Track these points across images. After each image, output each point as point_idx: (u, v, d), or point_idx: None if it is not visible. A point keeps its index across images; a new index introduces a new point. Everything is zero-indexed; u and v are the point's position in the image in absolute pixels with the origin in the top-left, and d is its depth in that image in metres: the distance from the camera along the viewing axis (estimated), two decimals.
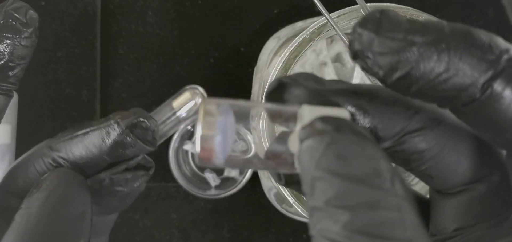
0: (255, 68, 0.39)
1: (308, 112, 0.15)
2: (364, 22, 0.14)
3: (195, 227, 0.43)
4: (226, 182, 0.42)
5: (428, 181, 0.17)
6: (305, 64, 0.35)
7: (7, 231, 0.18)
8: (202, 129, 0.15)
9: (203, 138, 0.15)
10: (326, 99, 0.16)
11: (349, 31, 0.32)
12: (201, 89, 0.41)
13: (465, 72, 0.14)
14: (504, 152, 0.16)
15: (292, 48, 0.27)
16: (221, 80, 0.42)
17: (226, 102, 0.15)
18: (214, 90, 0.41)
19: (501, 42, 0.14)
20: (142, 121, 0.22)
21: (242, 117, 0.16)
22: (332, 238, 0.12)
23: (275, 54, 0.34)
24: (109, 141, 0.21)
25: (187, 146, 0.41)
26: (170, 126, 0.40)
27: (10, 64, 0.23)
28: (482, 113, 0.15)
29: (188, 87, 0.41)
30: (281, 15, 0.41)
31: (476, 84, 0.14)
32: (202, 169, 0.42)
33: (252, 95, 0.38)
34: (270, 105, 0.16)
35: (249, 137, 0.15)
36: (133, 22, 0.41)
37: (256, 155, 0.16)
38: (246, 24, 0.41)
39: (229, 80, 0.42)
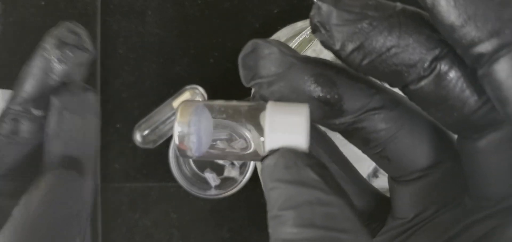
0: None
1: (273, 109, 0.16)
2: None
3: (195, 227, 0.43)
4: (226, 182, 0.42)
5: (386, 165, 0.18)
6: None
7: (4, 226, 0.18)
8: (177, 127, 0.16)
9: (180, 136, 0.17)
10: (297, 66, 0.16)
11: None
12: (201, 89, 0.41)
13: (414, 48, 0.15)
14: (455, 137, 0.17)
15: (292, 47, 0.27)
16: (221, 80, 0.42)
17: (200, 103, 0.17)
18: (214, 90, 0.41)
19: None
20: (70, 26, 0.21)
21: (218, 114, 0.17)
22: (285, 238, 0.14)
23: None
24: (49, 58, 0.21)
25: None
26: (170, 125, 0.40)
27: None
28: (430, 93, 0.15)
29: (188, 87, 0.41)
30: (281, 15, 0.41)
31: (424, 61, 0.15)
32: (202, 169, 0.42)
33: (252, 95, 0.38)
34: (238, 103, 0.17)
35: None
36: (133, 22, 0.41)
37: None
38: (246, 24, 0.41)
39: (229, 80, 0.42)
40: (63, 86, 0.22)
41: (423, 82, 0.15)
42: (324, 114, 0.17)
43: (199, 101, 0.17)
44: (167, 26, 0.41)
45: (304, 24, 0.36)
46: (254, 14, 0.41)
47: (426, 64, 0.15)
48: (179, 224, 0.43)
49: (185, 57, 0.42)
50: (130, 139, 0.39)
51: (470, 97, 0.15)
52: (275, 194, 0.15)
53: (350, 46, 0.15)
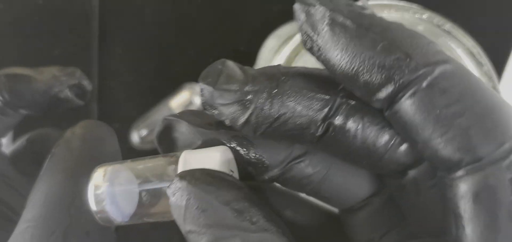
0: (255, 67, 0.39)
1: (188, 157, 0.15)
2: (204, 76, 0.16)
3: None
4: None
5: (326, 201, 0.18)
6: (307, 62, 0.35)
7: (46, 163, 0.19)
8: (93, 205, 0.16)
9: (98, 212, 0.16)
10: (210, 135, 0.17)
11: None
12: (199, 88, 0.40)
13: (301, 113, 0.15)
14: None
15: (293, 46, 0.27)
16: None
17: (114, 168, 0.16)
18: None
19: (335, 81, 0.15)
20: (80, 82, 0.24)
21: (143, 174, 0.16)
22: None
23: (276, 52, 0.34)
24: (51, 93, 0.23)
25: None
26: None
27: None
28: (333, 147, 0.16)
29: (186, 84, 0.40)
30: (281, 13, 0.40)
31: (314, 123, 0.15)
32: None
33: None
34: (154, 159, 0.16)
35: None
36: (131, 21, 0.41)
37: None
38: (246, 22, 0.41)
39: None
40: None
41: (323, 139, 0.15)
42: (250, 174, 0.17)
43: (112, 165, 0.17)
44: (166, 25, 0.41)
45: None
46: (254, 12, 0.41)
47: (318, 124, 0.15)
48: (179, 227, 0.43)
49: (183, 57, 0.41)
50: (127, 139, 0.39)
51: (374, 144, 0.15)
52: (194, 239, 0.15)
53: (239, 121, 0.15)
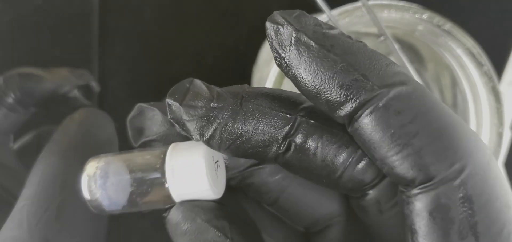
0: (255, 67, 0.39)
1: (174, 151, 0.16)
2: (172, 93, 0.16)
3: None
4: None
5: (285, 215, 0.19)
6: None
7: (45, 146, 0.21)
8: (87, 194, 0.16)
9: (91, 201, 0.17)
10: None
11: (351, 29, 0.32)
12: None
13: (262, 130, 0.16)
14: None
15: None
16: (220, 79, 0.42)
17: (107, 159, 0.17)
18: None
19: (299, 98, 0.16)
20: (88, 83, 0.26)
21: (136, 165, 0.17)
22: None
23: None
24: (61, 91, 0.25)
25: None
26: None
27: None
28: (296, 165, 0.16)
29: (186, 81, 0.40)
30: None
31: (276, 141, 0.16)
32: None
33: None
34: (143, 152, 0.17)
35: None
36: (130, 20, 0.41)
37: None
38: (246, 22, 0.41)
39: (228, 79, 0.42)
40: None
41: (285, 157, 0.16)
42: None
43: (105, 156, 0.17)
44: (165, 24, 0.41)
45: None
46: (254, 12, 0.41)
47: (280, 142, 0.16)
48: None
49: (183, 56, 0.41)
50: (127, 138, 0.39)
51: (333, 162, 0.16)
52: None
53: (205, 137, 0.16)
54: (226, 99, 0.16)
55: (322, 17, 0.27)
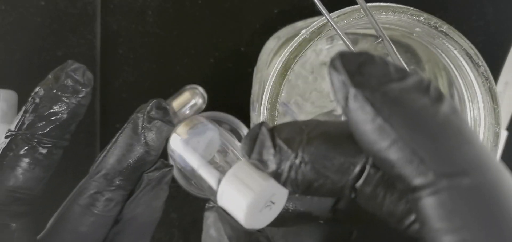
0: (255, 68, 0.39)
1: (233, 174, 0.17)
2: (244, 142, 0.17)
3: (195, 227, 0.43)
4: None
5: None
6: (305, 64, 0.35)
7: None
8: (182, 134, 0.18)
9: (173, 143, 0.19)
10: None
11: (349, 31, 0.32)
12: (201, 89, 0.41)
13: (332, 179, 0.15)
14: None
15: (292, 48, 0.27)
16: (221, 80, 0.42)
17: (209, 124, 0.19)
18: (214, 90, 0.41)
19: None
20: (157, 104, 0.25)
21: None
22: None
23: (275, 54, 0.34)
24: (139, 129, 0.24)
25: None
26: None
27: (69, 121, 0.25)
28: (365, 210, 0.16)
29: (188, 87, 0.41)
30: (281, 14, 0.41)
31: (343, 188, 0.15)
32: None
33: (252, 95, 0.38)
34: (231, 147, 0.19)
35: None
36: (133, 21, 0.41)
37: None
38: (246, 23, 0.41)
39: (229, 80, 0.42)
40: (152, 165, 0.25)
41: (351, 204, 0.16)
42: None
43: (209, 123, 0.19)
44: (167, 26, 0.41)
45: (304, 24, 0.36)
46: (255, 14, 0.41)
47: (347, 189, 0.15)
48: (179, 224, 0.43)
49: (185, 57, 0.42)
50: None
51: (399, 215, 0.15)
52: None
53: (282, 178, 0.16)
54: (287, 152, 0.16)
55: (321, 20, 0.27)
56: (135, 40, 0.41)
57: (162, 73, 0.42)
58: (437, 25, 0.28)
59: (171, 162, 0.25)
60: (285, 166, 0.16)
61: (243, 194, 0.16)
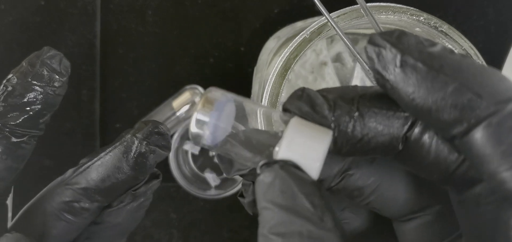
0: (255, 68, 0.39)
1: (295, 125, 0.16)
2: (288, 102, 0.17)
3: (195, 227, 0.43)
4: (226, 182, 0.41)
5: (376, 211, 0.19)
6: (305, 64, 0.35)
7: None
8: (199, 111, 0.17)
9: (198, 120, 0.17)
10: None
11: (349, 31, 0.32)
12: (201, 89, 0.41)
13: (383, 132, 0.16)
14: None
15: (292, 48, 0.27)
16: (221, 80, 0.42)
17: (226, 95, 0.18)
18: None
19: None
20: (156, 128, 0.23)
21: (241, 112, 0.18)
22: None
23: (275, 54, 0.34)
24: (131, 153, 0.22)
25: (187, 146, 0.41)
26: (170, 126, 0.40)
27: (43, 112, 0.23)
28: (409, 160, 0.16)
29: (188, 87, 0.41)
30: (281, 14, 0.41)
31: (396, 139, 0.16)
32: (202, 169, 0.42)
33: (252, 95, 0.38)
34: (267, 109, 0.17)
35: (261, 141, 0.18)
36: (132, 21, 0.41)
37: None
38: (246, 23, 0.41)
39: (229, 80, 0.42)
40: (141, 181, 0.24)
41: (400, 154, 0.16)
42: None
43: (227, 94, 0.18)
44: (167, 26, 0.41)
45: (304, 24, 0.36)
46: (255, 14, 0.41)
47: (399, 141, 0.16)
48: (179, 224, 0.43)
49: (185, 57, 0.42)
50: None
51: (445, 161, 0.16)
52: (267, 215, 0.15)
53: (341, 131, 0.16)
54: (342, 106, 0.16)
55: (321, 20, 0.27)
56: (135, 40, 0.41)
57: (162, 73, 0.42)
58: (437, 25, 0.28)
59: (190, 146, 0.23)
60: (345, 119, 0.16)
61: (318, 140, 0.16)
